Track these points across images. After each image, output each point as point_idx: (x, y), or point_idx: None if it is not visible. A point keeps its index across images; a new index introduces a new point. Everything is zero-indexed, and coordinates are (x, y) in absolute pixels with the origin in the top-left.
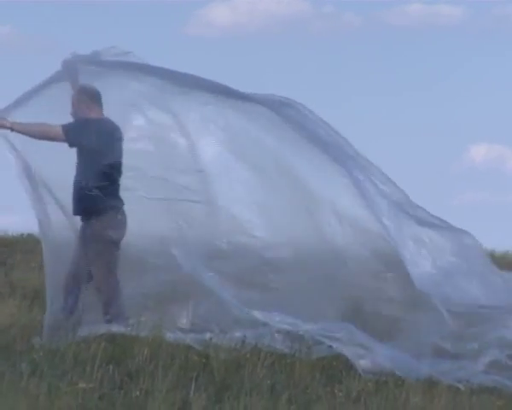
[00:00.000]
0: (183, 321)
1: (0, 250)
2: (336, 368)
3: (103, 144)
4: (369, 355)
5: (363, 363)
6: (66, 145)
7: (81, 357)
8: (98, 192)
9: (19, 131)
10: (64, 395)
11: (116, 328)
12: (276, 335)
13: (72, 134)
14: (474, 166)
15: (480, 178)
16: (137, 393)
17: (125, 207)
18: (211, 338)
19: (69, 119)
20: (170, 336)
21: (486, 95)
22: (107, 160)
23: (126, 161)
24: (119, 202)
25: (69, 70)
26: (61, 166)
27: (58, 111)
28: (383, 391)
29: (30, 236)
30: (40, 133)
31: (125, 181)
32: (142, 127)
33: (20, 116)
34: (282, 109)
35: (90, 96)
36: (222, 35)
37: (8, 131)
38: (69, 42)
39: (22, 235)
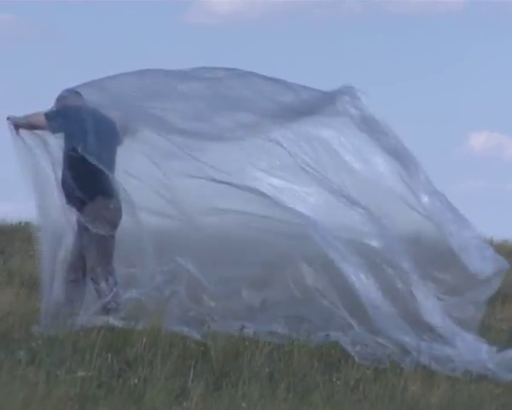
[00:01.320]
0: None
1: None
2: (334, 356)
3: (81, 131)
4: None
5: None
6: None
7: (80, 345)
8: (83, 182)
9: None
10: (62, 383)
11: (113, 320)
12: (275, 324)
13: (54, 122)
14: (473, 154)
15: (479, 166)
16: (136, 381)
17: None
18: (209, 326)
19: None
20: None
21: (487, 83)
22: (89, 147)
23: None
24: (108, 190)
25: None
26: None
27: None
28: (381, 379)
29: (28, 224)
30: (36, 123)
31: None
32: None
33: None
34: None
35: (73, 95)
36: (222, 23)
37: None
38: (69, 30)
39: (20, 223)
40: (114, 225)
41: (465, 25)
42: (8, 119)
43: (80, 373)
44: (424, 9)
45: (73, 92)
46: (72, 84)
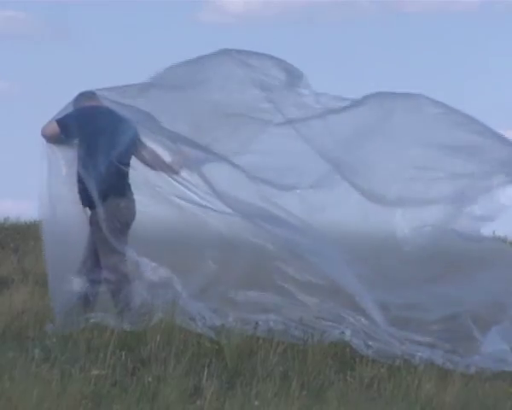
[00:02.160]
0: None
1: (12, 237)
2: (349, 355)
3: (93, 130)
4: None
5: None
6: None
7: (94, 344)
8: (95, 182)
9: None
10: (77, 381)
11: (126, 325)
12: (288, 322)
13: (67, 128)
14: None
15: None
16: (150, 379)
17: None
18: (223, 325)
19: None
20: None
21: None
22: (100, 147)
23: None
24: (122, 190)
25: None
26: None
27: None
28: (396, 378)
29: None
30: (51, 133)
31: None
32: None
33: None
34: None
35: (89, 96)
36: (235, 21)
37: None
38: (82, 29)
39: (34, 222)
40: (127, 224)
41: (480, 23)
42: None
43: (94, 372)
44: (439, 8)
45: (89, 93)
46: (83, 84)
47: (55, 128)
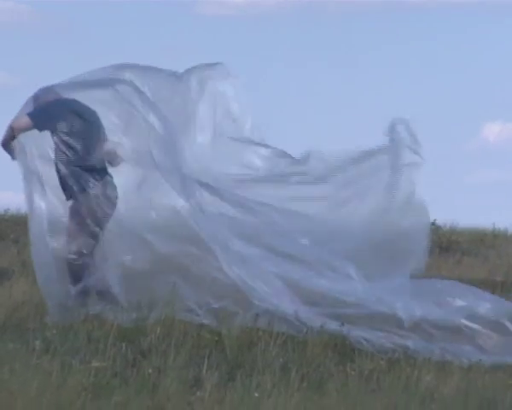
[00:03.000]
0: None
1: (12, 228)
2: (348, 347)
3: (65, 118)
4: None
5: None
6: None
7: (94, 335)
8: (73, 171)
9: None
10: (77, 372)
11: (124, 320)
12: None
13: (39, 118)
14: (487, 144)
15: (493, 156)
16: (150, 371)
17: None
18: (223, 317)
19: None
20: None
21: (503, 72)
22: (75, 131)
23: None
24: (96, 179)
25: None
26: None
27: None
28: (395, 370)
29: None
30: (21, 126)
31: None
32: None
33: None
34: None
35: (49, 91)
36: (235, 13)
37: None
38: (82, 22)
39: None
40: (105, 214)
41: (481, 13)
42: (1, 145)
43: (95, 363)
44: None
45: (48, 89)
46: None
47: (25, 121)
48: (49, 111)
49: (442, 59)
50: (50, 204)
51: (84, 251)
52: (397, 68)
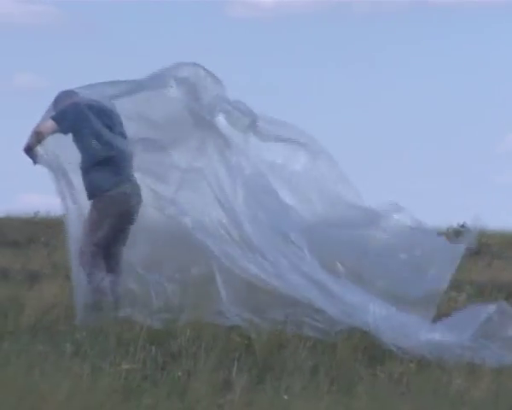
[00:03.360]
0: None
1: (43, 231)
2: (378, 349)
3: (89, 121)
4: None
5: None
6: None
7: (124, 338)
8: (92, 173)
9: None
10: (107, 375)
11: (154, 322)
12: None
13: (64, 121)
14: None
15: None
16: (180, 374)
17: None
18: (252, 319)
19: None
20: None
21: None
22: (86, 137)
23: None
24: (115, 181)
25: None
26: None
27: None
28: (425, 373)
29: None
30: (46, 130)
31: None
32: None
33: None
34: None
35: (70, 95)
36: (265, 15)
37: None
38: (111, 26)
39: (65, 215)
40: (126, 213)
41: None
42: (24, 151)
43: (125, 366)
44: (465, 0)
45: (68, 92)
46: (110, 78)
47: (52, 125)
48: (72, 113)
49: (473, 61)
50: (82, 207)
51: (96, 248)
52: (424, 71)
